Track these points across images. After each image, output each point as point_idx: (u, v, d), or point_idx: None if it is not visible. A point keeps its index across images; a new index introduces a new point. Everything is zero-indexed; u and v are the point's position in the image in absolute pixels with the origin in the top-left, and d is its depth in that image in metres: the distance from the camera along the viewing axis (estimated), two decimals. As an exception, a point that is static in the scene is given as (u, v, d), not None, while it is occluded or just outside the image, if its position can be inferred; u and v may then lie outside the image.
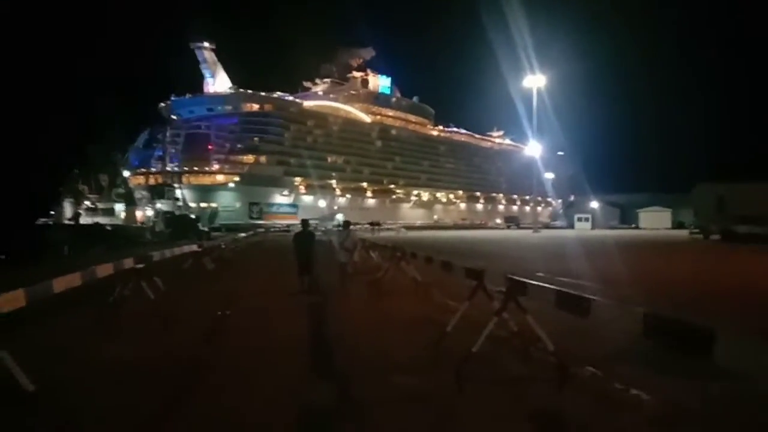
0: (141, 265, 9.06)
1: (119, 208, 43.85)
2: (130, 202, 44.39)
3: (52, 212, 42.16)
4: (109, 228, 35.46)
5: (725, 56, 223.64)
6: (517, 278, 5.82)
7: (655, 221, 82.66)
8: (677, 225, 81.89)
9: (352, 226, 13.76)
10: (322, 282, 12.40)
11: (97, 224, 37.75)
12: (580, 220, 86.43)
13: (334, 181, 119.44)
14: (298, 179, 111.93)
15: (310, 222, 12.52)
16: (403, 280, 10.91)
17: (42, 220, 41.47)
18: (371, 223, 68.05)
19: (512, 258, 22.41)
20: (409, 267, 10.50)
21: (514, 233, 65.03)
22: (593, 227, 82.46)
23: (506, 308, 5.40)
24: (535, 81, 64.44)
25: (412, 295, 10.55)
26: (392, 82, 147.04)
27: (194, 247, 14.45)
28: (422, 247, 27.91)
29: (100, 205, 42.85)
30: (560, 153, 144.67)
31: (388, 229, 69.92)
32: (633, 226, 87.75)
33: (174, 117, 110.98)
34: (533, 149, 77.58)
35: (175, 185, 59.56)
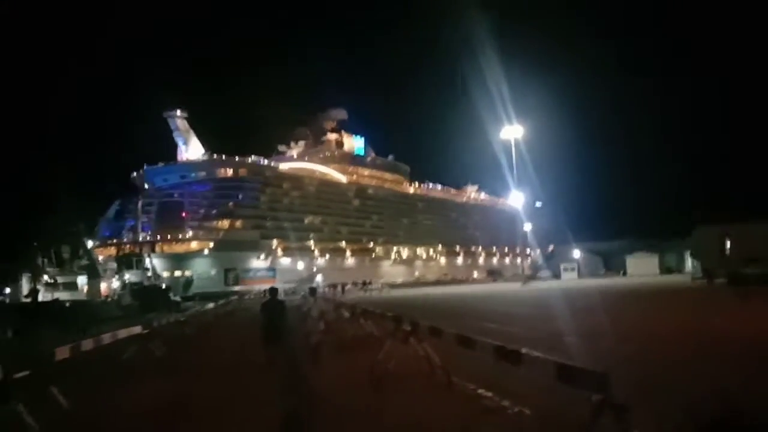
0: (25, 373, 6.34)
1: (82, 281, 40.65)
2: (94, 275, 41.26)
3: (8, 290, 38.93)
4: (67, 304, 32.37)
5: (702, 101, 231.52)
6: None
7: (642, 267, 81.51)
8: (666, 270, 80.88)
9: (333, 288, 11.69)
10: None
11: (56, 301, 34.65)
12: (566, 270, 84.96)
13: (312, 243, 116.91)
14: (275, 242, 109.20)
15: (289, 286, 10.36)
16: (410, 359, 8.60)
17: (-3, 299, 38.28)
18: (364, 283, 64.97)
19: (523, 318, 20.22)
20: (422, 345, 8.22)
21: (501, 287, 62.88)
22: (579, 276, 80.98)
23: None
24: (512, 132, 64.23)
25: (429, 384, 8.27)
26: (366, 142, 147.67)
27: (139, 329, 11.63)
28: (412, 309, 25.65)
29: (60, 279, 39.59)
30: (538, 203, 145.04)
31: (368, 289, 67.25)
32: (621, 273, 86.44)
33: (147, 186, 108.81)
34: (515, 200, 76.92)
35: (145, 254, 56.42)
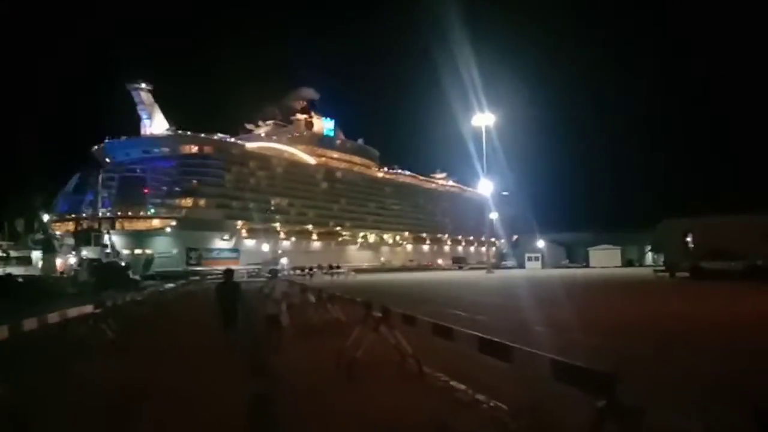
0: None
1: (37, 256, 39.03)
2: (50, 250, 39.68)
3: (-45, 263, 37.16)
4: (20, 279, 30.98)
5: (673, 92, 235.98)
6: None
7: (605, 259, 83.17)
8: (627, 263, 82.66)
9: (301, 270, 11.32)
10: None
11: (8, 275, 33.17)
12: (530, 259, 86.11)
13: (278, 224, 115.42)
14: (239, 223, 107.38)
15: (253, 268, 9.94)
16: (379, 347, 8.19)
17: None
18: (330, 267, 64.14)
19: (490, 306, 20.07)
20: (393, 333, 7.82)
21: (466, 274, 63.24)
22: (543, 266, 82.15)
23: None
24: (483, 119, 64.17)
25: (399, 374, 7.90)
26: (336, 124, 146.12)
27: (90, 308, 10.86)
28: (380, 294, 25.31)
29: (13, 253, 37.95)
30: (504, 192, 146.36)
31: (335, 273, 66.64)
32: (583, 264, 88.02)
33: (108, 160, 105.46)
34: (484, 188, 77.01)
35: (104, 230, 54.60)
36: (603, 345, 10.31)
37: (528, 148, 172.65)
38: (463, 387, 7.15)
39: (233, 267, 14.07)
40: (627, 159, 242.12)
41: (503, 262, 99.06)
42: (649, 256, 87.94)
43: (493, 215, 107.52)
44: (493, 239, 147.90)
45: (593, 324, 13.93)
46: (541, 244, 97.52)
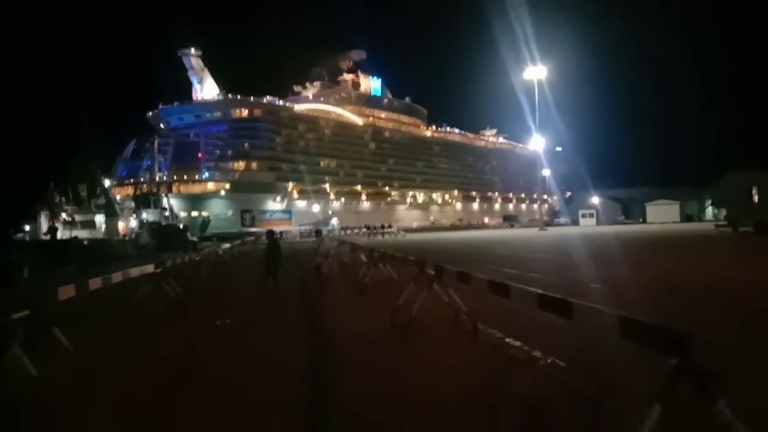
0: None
1: (100, 220, 40.79)
2: (112, 213, 41.37)
3: (27, 227, 39.24)
4: (85, 243, 32.53)
5: (729, 48, 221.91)
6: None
7: (663, 215, 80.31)
8: (686, 218, 79.58)
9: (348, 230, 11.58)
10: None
11: (74, 239, 34.86)
12: (584, 216, 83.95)
13: (327, 186, 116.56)
14: (290, 184, 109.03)
15: (305, 229, 10.23)
16: (433, 305, 8.15)
17: (18, 236, 38.59)
18: (382, 226, 64.25)
19: (543, 263, 19.70)
20: (446, 291, 7.76)
21: (518, 232, 62.29)
22: (598, 223, 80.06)
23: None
24: (535, 72, 61.86)
25: (454, 332, 7.87)
26: (383, 84, 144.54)
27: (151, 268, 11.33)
28: (430, 253, 25.29)
29: (78, 218, 39.78)
30: (558, 148, 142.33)
31: (385, 233, 66.89)
32: (640, 220, 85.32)
33: (162, 126, 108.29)
34: (536, 144, 74.85)
35: (162, 194, 56.47)
36: (664, 304, 9.95)
37: (581, 102, 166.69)
38: (518, 344, 7.04)
39: (286, 228, 14.91)
40: (685, 112, 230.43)
41: (556, 220, 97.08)
42: (710, 211, 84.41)
43: (546, 172, 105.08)
44: (545, 196, 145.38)
45: (654, 282, 13.45)
46: (595, 200, 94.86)
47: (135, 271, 10.47)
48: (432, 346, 7.48)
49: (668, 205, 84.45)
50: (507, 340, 7.33)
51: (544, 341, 6.87)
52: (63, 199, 39.46)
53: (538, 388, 5.48)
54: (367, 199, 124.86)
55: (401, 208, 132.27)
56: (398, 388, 5.62)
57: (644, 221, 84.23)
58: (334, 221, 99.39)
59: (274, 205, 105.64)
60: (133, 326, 9.36)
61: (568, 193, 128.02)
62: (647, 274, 15.10)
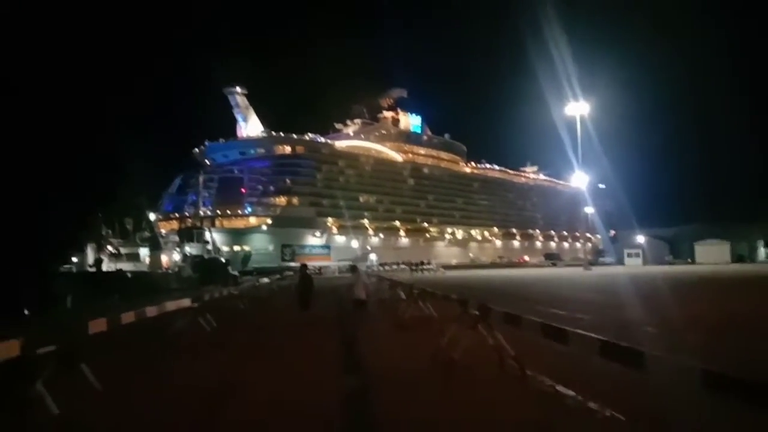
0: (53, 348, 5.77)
1: (144, 252, 41.62)
2: (156, 247, 42.18)
3: (74, 259, 40.30)
4: (129, 275, 33.11)
5: None
6: None
7: (712, 255, 77.09)
8: (737, 258, 76.14)
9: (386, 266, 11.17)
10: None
11: (119, 271, 35.54)
12: (630, 255, 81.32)
13: (366, 221, 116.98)
14: (330, 220, 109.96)
15: (344, 264, 9.97)
16: (476, 346, 7.68)
17: (65, 267, 39.66)
18: (421, 263, 63.27)
19: (592, 304, 18.83)
20: (492, 333, 7.31)
21: (561, 271, 60.62)
22: (644, 263, 77.35)
23: None
24: (578, 108, 61.18)
25: (499, 376, 7.39)
26: (423, 120, 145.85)
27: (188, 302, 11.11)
28: (472, 291, 24.64)
29: (123, 250, 40.68)
30: (601, 185, 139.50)
31: (424, 269, 66.11)
32: (688, 260, 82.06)
33: (207, 162, 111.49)
34: (578, 180, 73.32)
35: (205, 228, 57.49)
36: (729, 350, 9.19)
37: (625, 138, 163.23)
38: (572, 393, 6.50)
39: (325, 263, 14.80)
40: (734, 146, 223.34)
41: (600, 259, 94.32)
42: (762, 252, 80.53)
43: (589, 209, 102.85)
44: (588, 234, 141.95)
45: (714, 326, 12.58)
46: (641, 239, 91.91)
47: (171, 305, 10.34)
48: (477, 390, 7.00)
49: (718, 245, 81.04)
50: (558, 388, 6.79)
51: (601, 391, 6.31)
52: (109, 231, 40.44)
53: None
54: (405, 235, 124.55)
55: (440, 244, 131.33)
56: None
57: (692, 261, 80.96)
58: (373, 257, 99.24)
59: (314, 240, 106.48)
60: (166, 362, 9.14)
61: (613, 232, 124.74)
62: (705, 318, 14.16)
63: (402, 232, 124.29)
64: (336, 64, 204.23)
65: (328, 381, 7.73)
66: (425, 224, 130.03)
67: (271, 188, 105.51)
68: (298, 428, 5.80)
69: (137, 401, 6.89)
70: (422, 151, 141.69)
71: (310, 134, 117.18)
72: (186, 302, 11.11)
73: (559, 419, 5.75)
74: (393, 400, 6.61)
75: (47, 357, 5.75)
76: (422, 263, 63.23)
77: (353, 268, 14.35)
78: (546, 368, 7.38)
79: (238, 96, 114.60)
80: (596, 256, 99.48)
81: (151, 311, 9.26)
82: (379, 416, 6.09)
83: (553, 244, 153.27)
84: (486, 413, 6.08)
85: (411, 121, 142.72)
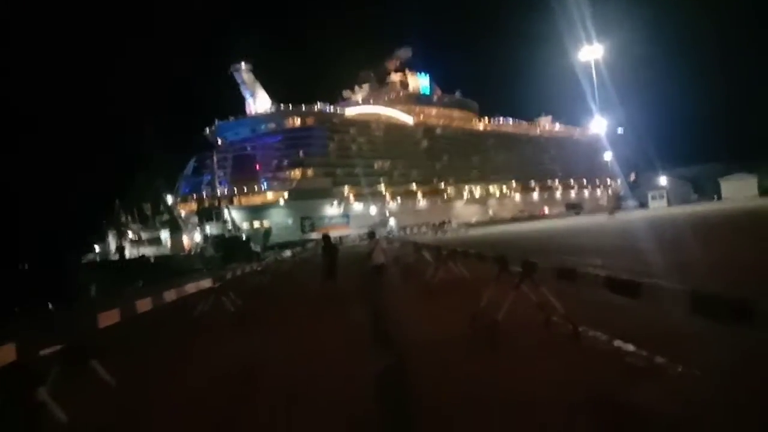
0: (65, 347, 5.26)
1: (165, 236, 41.60)
2: (176, 229, 42.17)
3: (97, 248, 40.47)
4: (152, 260, 33.06)
5: None
6: None
7: (739, 190, 75.04)
8: (764, 191, 74.03)
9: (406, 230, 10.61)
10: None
11: (142, 257, 35.56)
12: (654, 198, 79.58)
13: (383, 187, 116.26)
14: (346, 189, 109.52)
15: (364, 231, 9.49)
16: (516, 307, 7.09)
17: (89, 257, 39.86)
18: (442, 223, 62.52)
19: (628, 251, 18.08)
20: (539, 291, 6.73)
21: (585, 220, 59.47)
22: (669, 204, 75.76)
23: None
24: (592, 52, 59.05)
25: (549, 338, 6.82)
26: (431, 79, 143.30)
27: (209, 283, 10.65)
28: (497, 248, 23.99)
29: (144, 235, 40.70)
30: (619, 130, 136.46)
31: (445, 229, 65.46)
32: (713, 197, 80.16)
33: (220, 141, 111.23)
34: (597, 127, 71.54)
35: (224, 207, 57.46)
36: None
37: (641, 79, 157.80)
38: (633, 349, 5.91)
39: (345, 232, 14.29)
40: (759, 78, 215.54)
41: (623, 204, 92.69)
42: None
43: (608, 155, 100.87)
44: (608, 180, 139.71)
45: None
46: (663, 180, 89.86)
47: (191, 287, 9.90)
48: (527, 356, 6.43)
49: (745, 179, 78.82)
50: (615, 343, 6.19)
51: (666, 346, 5.71)
52: (129, 218, 40.42)
53: (675, 405, 4.39)
54: (423, 198, 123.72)
55: (458, 204, 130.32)
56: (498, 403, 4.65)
57: (719, 198, 79.06)
58: (392, 222, 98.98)
59: (332, 210, 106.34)
60: (188, 347, 8.70)
61: (633, 176, 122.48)
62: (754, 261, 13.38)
63: (419, 195, 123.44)
64: (340, 29, 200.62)
65: (358, 360, 7.19)
66: (442, 185, 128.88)
67: (285, 162, 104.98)
68: (328, 412, 5.31)
69: (152, 396, 6.49)
70: (433, 111, 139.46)
71: (319, 104, 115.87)
72: (207, 283, 10.68)
73: (629, 380, 5.15)
74: (430, 377, 6.03)
75: (52, 358, 5.29)
76: (442, 223, 62.48)
77: (371, 234, 14.73)
78: (595, 324, 6.78)
79: (245, 73, 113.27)
80: (618, 202, 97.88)
81: (169, 296, 8.81)
82: (419, 390, 5.56)
83: (573, 194, 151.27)
84: (543, 379, 5.50)
85: (420, 82, 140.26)
